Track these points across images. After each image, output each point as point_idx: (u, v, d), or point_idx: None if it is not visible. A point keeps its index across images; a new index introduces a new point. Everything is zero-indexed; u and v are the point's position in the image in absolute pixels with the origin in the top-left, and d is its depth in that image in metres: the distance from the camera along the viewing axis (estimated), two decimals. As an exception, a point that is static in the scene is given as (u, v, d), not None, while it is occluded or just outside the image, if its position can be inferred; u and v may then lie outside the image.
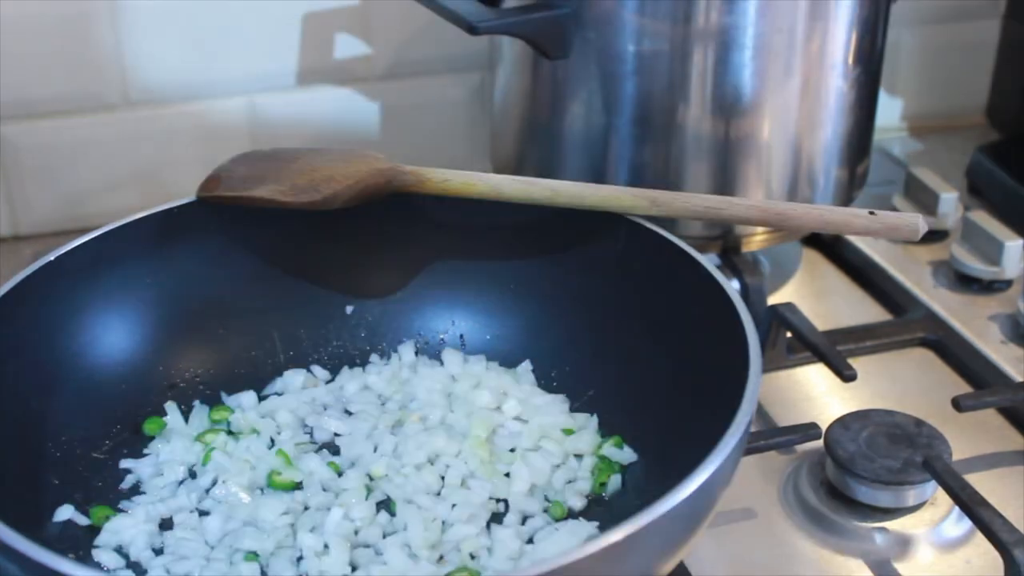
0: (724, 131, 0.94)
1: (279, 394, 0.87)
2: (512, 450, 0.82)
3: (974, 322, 1.01)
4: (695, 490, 0.63)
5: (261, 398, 0.87)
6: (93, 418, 0.81)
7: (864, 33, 0.96)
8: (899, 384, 0.95)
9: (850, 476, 0.82)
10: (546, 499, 0.80)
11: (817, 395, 0.94)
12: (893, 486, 0.81)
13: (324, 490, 0.80)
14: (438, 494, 0.79)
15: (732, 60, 0.91)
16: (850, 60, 0.95)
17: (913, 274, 1.07)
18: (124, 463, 0.81)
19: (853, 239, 1.11)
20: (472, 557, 0.74)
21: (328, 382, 0.89)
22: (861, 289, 1.07)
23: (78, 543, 0.75)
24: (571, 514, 0.79)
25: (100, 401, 0.82)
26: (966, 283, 1.06)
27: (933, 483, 0.82)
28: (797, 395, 0.94)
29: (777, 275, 1.07)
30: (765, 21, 0.91)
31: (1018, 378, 0.94)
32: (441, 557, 0.75)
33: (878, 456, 0.82)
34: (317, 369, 0.89)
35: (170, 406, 0.84)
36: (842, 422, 0.85)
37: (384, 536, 0.76)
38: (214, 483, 0.80)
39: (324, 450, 0.83)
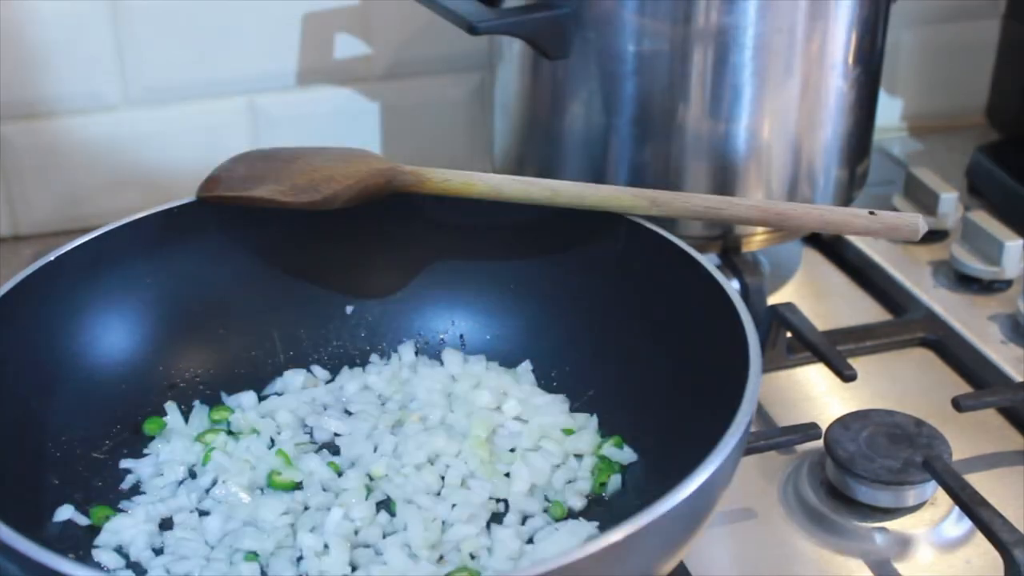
0: (724, 131, 0.94)
1: (279, 394, 0.87)
2: (512, 450, 0.82)
3: (974, 322, 1.01)
4: (695, 490, 0.63)
5: (261, 398, 0.87)
6: (93, 418, 0.81)
7: (864, 33, 0.96)
8: (899, 384, 0.95)
9: (850, 476, 0.82)
10: (546, 499, 0.80)
11: (817, 395, 0.94)
12: (893, 486, 0.81)
13: (324, 490, 0.80)
14: (438, 494, 0.79)
15: (732, 60, 0.91)
16: (850, 60, 0.95)
17: (913, 274, 1.07)
18: (124, 463, 0.81)
19: (853, 239, 1.11)
20: (472, 557, 0.74)
21: (328, 382, 0.89)
22: (861, 289, 1.07)
23: (78, 543, 0.75)
24: (571, 514, 0.79)
25: (100, 401, 0.82)
26: (966, 283, 1.06)
27: (933, 483, 0.82)
28: (797, 395, 0.94)
29: (777, 275, 1.07)
30: (765, 21, 0.91)
31: (1018, 378, 0.94)
32: (441, 557, 0.75)
33: (878, 456, 0.82)
34: (317, 369, 0.89)
35: (170, 406, 0.84)
36: (842, 422, 0.85)
37: (384, 536, 0.76)
38: (214, 483, 0.80)
39: (324, 450, 0.83)
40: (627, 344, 0.84)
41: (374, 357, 0.90)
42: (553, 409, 0.85)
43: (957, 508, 0.80)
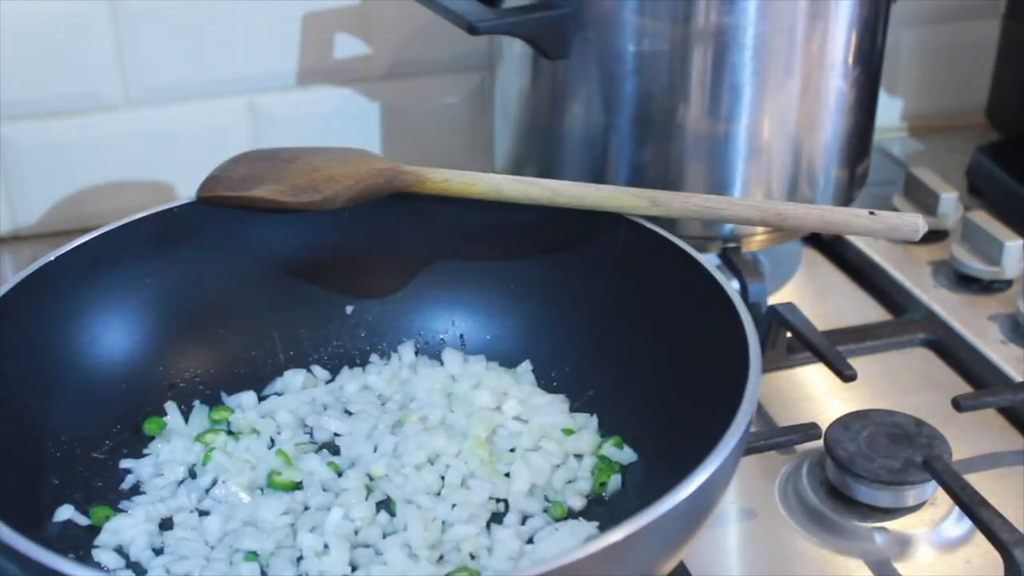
0: (724, 131, 0.94)
1: (279, 394, 0.87)
2: (512, 450, 0.82)
3: (974, 322, 1.01)
4: (695, 490, 0.63)
5: (261, 398, 0.87)
6: (93, 418, 0.81)
7: (864, 33, 0.96)
8: (899, 384, 0.95)
9: (850, 476, 0.82)
10: (546, 499, 0.80)
11: (817, 395, 0.94)
12: (893, 486, 0.81)
13: (324, 490, 0.80)
14: (438, 494, 0.79)
15: (732, 60, 0.91)
16: (850, 60, 0.95)
17: (913, 274, 1.07)
18: (124, 463, 0.81)
19: (853, 239, 1.11)
20: (472, 557, 0.74)
21: (328, 382, 0.89)
22: (861, 289, 1.07)
23: (78, 543, 0.75)
24: (571, 514, 0.79)
25: (100, 401, 0.82)
26: (966, 283, 1.06)
27: (933, 483, 0.82)
28: (797, 395, 0.94)
29: (777, 275, 1.07)
30: (765, 21, 0.91)
31: (1018, 378, 0.94)
32: (441, 557, 0.75)
33: (878, 456, 0.82)
34: (317, 369, 0.89)
35: (170, 406, 0.84)
36: (842, 422, 0.85)
37: (384, 536, 0.76)
38: (214, 483, 0.80)
39: (324, 450, 0.83)
40: (627, 344, 0.84)
41: (374, 357, 0.90)
42: (553, 409, 0.85)
43: (957, 508, 0.80)
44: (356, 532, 0.76)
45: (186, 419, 0.84)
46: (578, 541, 0.74)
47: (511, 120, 1.03)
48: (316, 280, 0.90)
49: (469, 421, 0.84)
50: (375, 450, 0.82)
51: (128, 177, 1.12)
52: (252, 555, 0.74)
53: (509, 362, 0.89)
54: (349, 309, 0.90)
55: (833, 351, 0.91)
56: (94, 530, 0.76)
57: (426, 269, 0.90)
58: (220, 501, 0.79)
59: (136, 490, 0.80)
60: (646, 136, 0.95)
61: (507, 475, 0.81)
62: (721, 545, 0.81)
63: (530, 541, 0.76)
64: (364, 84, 1.16)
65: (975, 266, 1.05)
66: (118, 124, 1.11)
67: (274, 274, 0.89)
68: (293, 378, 0.88)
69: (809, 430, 0.85)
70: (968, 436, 0.88)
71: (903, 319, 1.02)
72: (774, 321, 0.96)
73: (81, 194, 1.12)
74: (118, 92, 1.10)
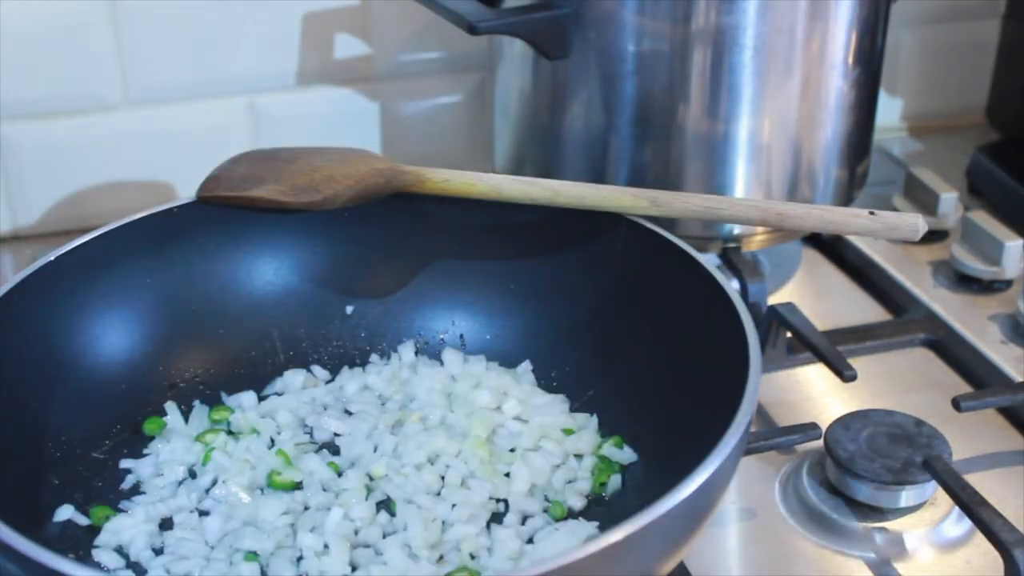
0: (724, 131, 0.94)
1: (279, 394, 0.87)
2: (512, 450, 0.82)
3: (974, 322, 1.01)
4: (695, 490, 0.63)
5: (261, 398, 0.87)
6: (93, 418, 0.81)
7: (864, 33, 0.96)
8: (899, 384, 0.95)
9: (850, 476, 0.82)
10: (546, 499, 0.80)
11: (817, 395, 0.94)
12: (893, 486, 0.81)
13: (324, 490, 0.80)
14: (438, 494, 0.79)
15: (732, 60, 0.91)
16: (850, 60, 0.95)
17: (913, 274, 1.07)
18: (124, 463, 0.81)
19: (853, 239, 1.11)
20: (472, 557, 0.74)
21: (328, 382, 0.89)
22: (861, 289, 1.07)
23: (78, 543, 0.75)
24: (571, 514, 0.79)
25: (100, 401, 0.82)
26: (966, 283, 1.06)
27: (933, 483, 0.82)
28: (797, 395, 0.94)
29: (777, 275, 1.07)
30: (765, 21, 0.91)
31: (1018, 378, 0.94)
32: (441, 557, 0.75)
33: (878, 456, 0.82)
34: (317, 369, 0.89)
35: (170, 406, 0.84)
36: (842, 422, 0.85)
37: (384, 536, 0.76)
38: (214, 483, 0.80)
39: (324, 450, 0.83)
40: (627, 344, 0.84)
41: (374, 357, 0.90)
42: (553, 409, 0.85)
43: (957, 508, 0.80)
44: (356, 532, 0.76)
45: (186, 419, 0.84)
46: (578, 541, 0.74)
47: (511, 120, 1.03)
48: (316, 280, 0.90)
49: (469, 421, 0.84)
50: (375, 450, 0.82)
51: (128, 177, 1.12)
52: (252, 555, 0.74)
53: (509, 362, 0.89)
54: (349, 309, 0.90)
55: (833, 351, 0.91)
56: (94, 530, 0.76)
57: (426, 269, 0.90)
58: (220, 501, 0.79)
59: (136, 490, 0.80)
60: (646, 136, 0.95)
61: (507, 475, 0.81)
62: (721, 545, 0.81)
63: (530, 541, 0.76)
64: (364, 84, 1.16)
65: (975, 266, 1.05)
66: (118, 124, 1.11)
67: (274, 274, 0.89)
68: (293, 378, 0.88)
69: (809, 430, 0.85)
70: (968, 436, 0.88)
71: (903, 319, 1.02)
72: (774, 321, 0.96)
73: (81, 194, 1.12)
74: (118, 92, 1.10)
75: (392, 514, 0.78)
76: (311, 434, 0.85)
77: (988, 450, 0.88)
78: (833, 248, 1.12)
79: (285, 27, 1.11)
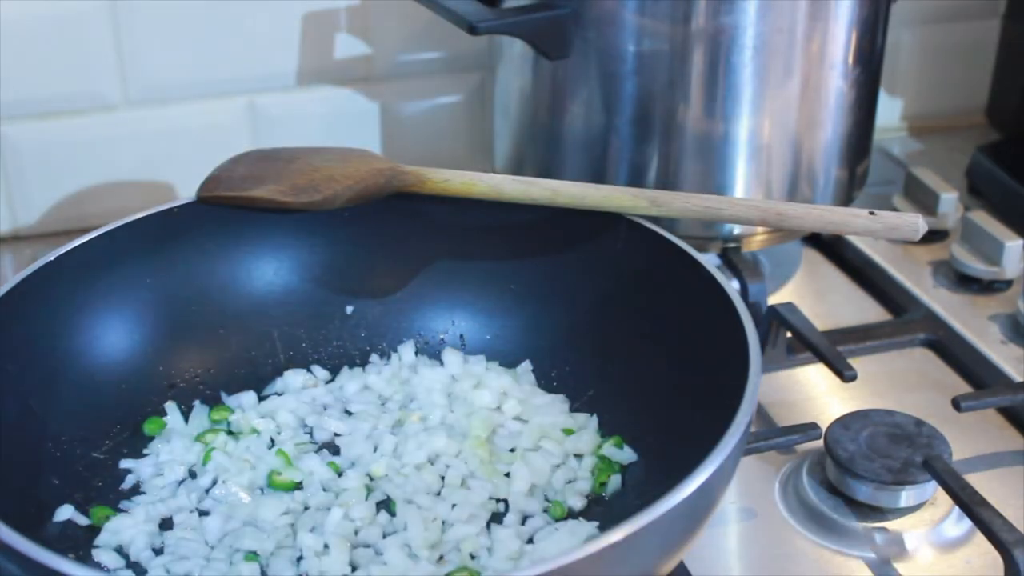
0: (724, 131, 0.94)
1: (279, 394, 0.87)
2: (512, 450, 0.82)
3: (974, 322, 1.01)
4: (695, 490, 0.63)
5: (261, 398, 0.87)
6: (93, 418, 0.81)
7: (864, 33, 0.96)
8: (899, 384, 0.95)
9: (850, 476, 0.82)
10: (546, 499, 0.80)
11: (817, 395, 0.94)
12: (893, 486, 0.81)
13: (324, 490, 0.80)
14: (438, 494, 0.79)
15: (732, 60, 0.91)
16: (850, 60, 0.95)
17: (913, 274, 1.07)
18: (124, 463, 0.81)
19: (853, 239, 1.11)
20: (472, 557, 0.74)
21: (328, 382, 0.89)
22: (861, 289, 1.07)
23: (78, 543, 0.75)
24: (571, 514, 0.79)
25: (100, 401, 0.82)
26: (966, 283, 1.06)
27: (933, 483, 0.82)
28: (797, 395, 0.94)
29: (777, 275, 1.07)
30: (765, 21, 0.91)
31: (1018, 378, 0.94)
32: (441, 557, 0.75)
33: (878, 456, 0.82)
34: (317, 369, 0.89)
35: (170, 406, 0.84)
36: (842, 422, 0.85)
37: (384, 536, 0.76)
38: (214, 483, 0.80)
39: (324, 450, 0.83)
40: (627, 344, 0.84)
41: (374, 357, 0.90)
42: (553, 409, 0.85)
43: (957, 508, 0.80)
44: (356, 532, 0.76)
45: (186, 419, 0.84)
46: (578, 541, 0.74)
47: (511, 120, 1.03)
48: (316, 280, 0.90)
49: (469, 421, 0.84)
50: (375, 450, 0.82)
51: (128, 177, 1.12)
52: (252, 555, 0.74)
53: (509, 362, 0.89)
54: (349, 309, 0.90)
55: (833, 351, 0.91)
56: (94, 530, 0.76)
57: (426, 269, 0.90)
58: (220, 501, 0.79)
59: (136, 490, 0.80)
60: (646, 136, 0.95)
61: (507, 475, 0.81)
62: (721, 545, 0.81)
63: (530, 541, 0.76)
64: (364, 84, 1.16)
65: (975, 266, 1.05)
66: (118, 124, 1.11)
67: (274, 274, 0.89)
68: (293, 378, 0.88)
69: (809, 430, 0.85)
70: (968, 436, 0.88)
71: (903, 319, 1.02)
72: (774, 321, 0.96)
73: (81, 194, 1.12)
74: (118, 92, 1.10)
75: (392, 514, 0.78)
76: (311, 434, 0.85)
77: (988, 450, 0.88)
78: (833, 248, 1.12)
79: (285, 27, 1.11)
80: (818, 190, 0.99)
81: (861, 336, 0.99)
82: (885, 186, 1.19)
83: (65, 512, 0.76)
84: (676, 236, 0.83)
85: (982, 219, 1.06)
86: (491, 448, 0.82)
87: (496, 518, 0.78)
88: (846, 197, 1.02)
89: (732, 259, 0.99)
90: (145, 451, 0.83)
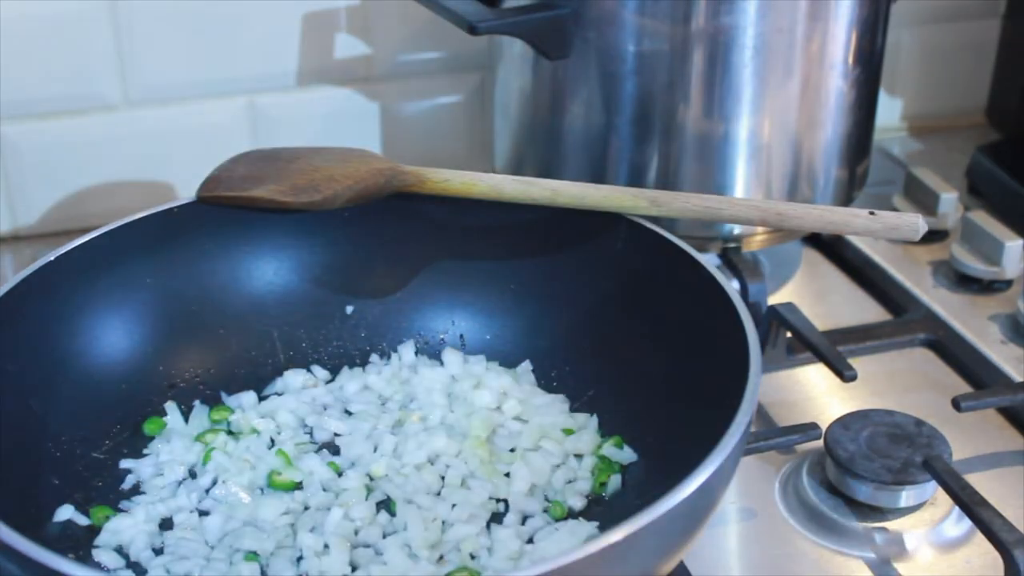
0: (724, 131, 0.94)
1: (279, 394, 0.87)
2: (512, 450, 0.82)
3: (974, 322, 1.01)
4: (695, 490, 0.63)
5: (261, 398, 0.87)
6: (93, 418, 0.81)
7: (864, 33, 0.96)
8: (899, 384, 0.95)
9: (850, 476, 0.82)
10: (546, 499, 0.80)
11: (817, 395, 0.94)
12: (893, 486, 0.81)
13: (324, 490, 0.80)
14: (438, 494, 0.79)
15: (732, 60, 0.91)
16: (850, 60, 0.95)
17: (913, 274, 1.07)
18: (124, 463, 0.81)
19: (853, 239, 1.11)
20: (472, 557, 0.74)
21: (328, 382, 0.89)
22: (861, 289, 1.07)
23: (78, 543, 0.75)
24: (571, 514, 0.79)
25: (100, 401, 0.82)
26: (966, 283, 1.06)
27: (933, 483, 0.82)
28: (797, 395, 0.94)
29: (777, 275, 1.07)
30: (765, 21, 0.91)
31: (1018, 378, 0.94)
32: (441, 557, 0.75)
33: (878, 456, 0.82)
34: (317, 369, 0.89)
35: (170, 406, 0.84)
36: (842, 422, 0.85)
37: (384, 536, 0.76)
38: (214, 483, 0.80)
39: (324, 450, 0.83)
40: (627, 344, 0.84)
41: (374, 357, 0.90)
42: (553, 409, 0.85)
43: (957, 508, 0.80)
44: (356, 532, 0.76)
45: (186, 419, 0.84)
46: (578, 541, 0.74)
47: (511, 120, 1.03)
48: (316, 280, 0.90)
49: (469, 421, 0.84)
50: (375, 450, 0.83)
51: (128, 177, 1.12)
52: (252, 555, 0.74)
53: (509, 362, 0.89)
54: (349, 309, 0.90)
55: (833, 351, 0.91)
56: (94, 530, 0.76)
57: (426, 269, 0.90)
58: (220, 501, 0.79)
59: (136, 490, 0.80)
60: (646, 136, 0.95)
61: (507, 475, 0.81)
62: (721, 545, 0.81)
63: (530, 541, 0.76)
64: (364, 84, 1.16)
65: (975, 266, 1.05)
66: (118, 124, 1.11)
67: (274, 274, 0.89)
68: (293, 378, 0.88)
69: (809, 430, 0.85)
70: (968, 436, 0.88)
71: (903, 319, 1.02)
72: (774, 321, 0.96)
73: (81, 194, 1.12)
74: (118, 92, 1.10)
75: (392, 514, 0.78)
76: (311, 434, 0.85)
77: (988, 450, 0.88)
78: (833, 248, 1.12)
79: (285, 27, 1.11)
80: (818, 190, 0.99)
81: (861, 336, 0.99)
82: (885, 186, 1.19)
83: (65, 512, 0.76)
84: (676, 236, 0.83)
85: (982, 219, 1.06)
86: (491, 448, 0.82)
87: (496, 518, 0.78)
88: (846, 197, 1.02)
89: (732, 259, 0.99)
90: (145, 451, 0.83)
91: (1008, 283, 1.05)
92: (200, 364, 0.87)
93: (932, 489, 0.82)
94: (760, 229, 0.98)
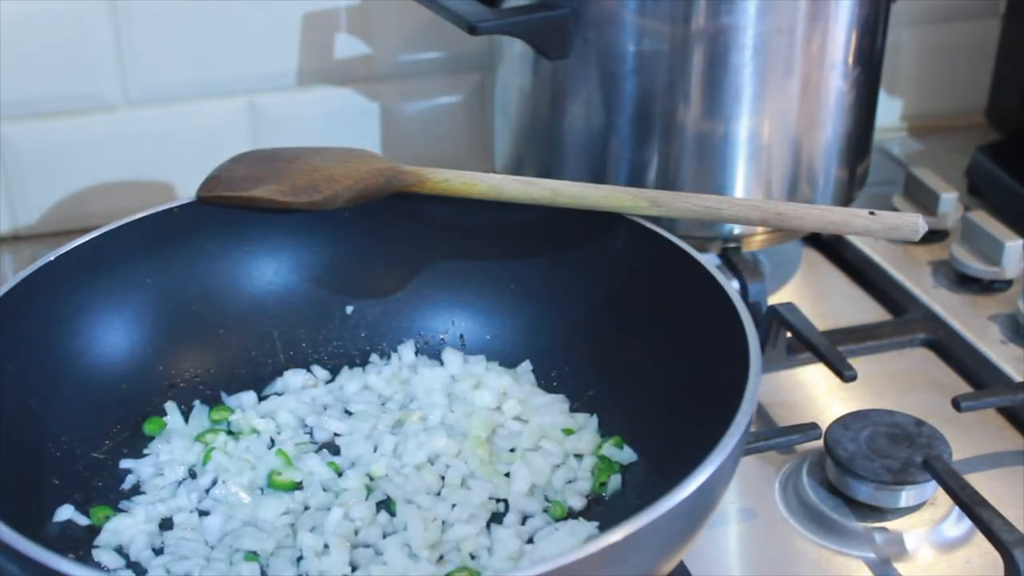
0: (724, 131, 0.94)
1: (279, 394, 0.87)
2: (512, 450, 0.82)
3: (974, 322, 1.01)
4: (695, 490, 0.63)
5: (261, 398, 0.87)
6: (93, 418, 0.81)
7: (864, 33, 0.96)
8: (899, 384, 0.95)
9: (850, 476, 0.82)
10: (546, 499, 0.80)
11: (817, 395, 0.94)
12: (893, 486, 0.81)
13: (324, 490, 0.80)
14: (438, 494, 0.79)
15: (732, 60, 0.91)
16: (850, 60, 0.95)
17: (913, 274, 1.07)
18: (124, 463, 0.81)
19: (853, 239, 1.11)
20: (472, 557, 0.74)
21: (328, 382, 0.89)
22: (861, 289, 1.07)
23: (78, 543, 0.75)
24: (571, 514, 0.79)
25: (100, 401, 0.82)
26: (966, 283, 1.06)
27: (933, 483, 0.82)
28: (797, 395, 0.94)
29: (777, 275, 1.07)
30: (765, 21, 0.91)
31: (1018, 378, 0.94)
32: (441, 557, 0.75)
33: (878, 456, 0.82)
34: (317, 369, 0.89)
35: (170, 406, 0.84)
36: (842, 422, 0.85)
37: (384, 536, 0.76)
38: (214, 483, 0.80)
39: (324, 450, 0.83)
40: (627, 344, 0.84)
41: (374, 357, 0.90)
42: (553, 409, 0.85)
43: (957, 508, 0.80)
44: (356, 532, 0.76)
45: (186, 419, 0.84)
46: (578, 541, 0.74)
47: (511, 120, 1.03)
48: (316, 280, 0.90)
49: (469, 421, 0.84)
50: (375, 450, 0.83)
51: (128, 177, 1.12)
52: (252, 555, 0.74)
53: (509, 362, 0.89)
54: (349, 309, 0.90)
55: (833, 351, 0.91)
56: (94, 530, 0.76)
57: (426, 269, 0.90)
58: (220, 501, 0.79)
59: (136, 490, 0.80)
60: (646, 136, 0.95)
61: (507, 475, 0.81)
62: (721, 545, 0.81)
63: (530, 541, 0.76)
64: (364, 84, 1.16)
65: (975, 266, 1.05)
66: (118, 124, 1.11)
67: (274, 274, 0.89)
68: (293, 378, 0.88)
69: (809, 430, 0.85)
70: (968, 436, 0.88)
71: (903, 319, 1.02)
72: (774, 321, 0.96)
73: (81, 194, 1.12)
74: (118, 92, 1.10)
75: (392, 514, 0.78)
76: (311, 434, 0.85)
77: (988, 450, 0.88)
78: (833, 248, 1.12)
79: (285, 27, 1.11)
80: (818, 190, 0.99)
81: (861, 336, 0.99)
82: (885, 186, 1.19)
83: (65, 512, 0.76)
84: (676, 236, 0.83)
85: (982, 219, 1.06)
86: (491, 448, 0.82)
87: (496, 518, 0.78)
88: (846, 197, 1.02)
89: (732, 259, 0.99)
90: (145, 451, 0.83)
91: (1008, 283, 1.05)
92: (200, 364, 0.87)
93: (932, 489, 0.82)
94: (760, 229, 0.98)
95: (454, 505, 0.78)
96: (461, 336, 0.91)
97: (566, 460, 0.82)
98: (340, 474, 0.81)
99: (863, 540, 0.81)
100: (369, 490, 0.79)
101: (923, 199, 1.13)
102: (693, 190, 0.94)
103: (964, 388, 0.95)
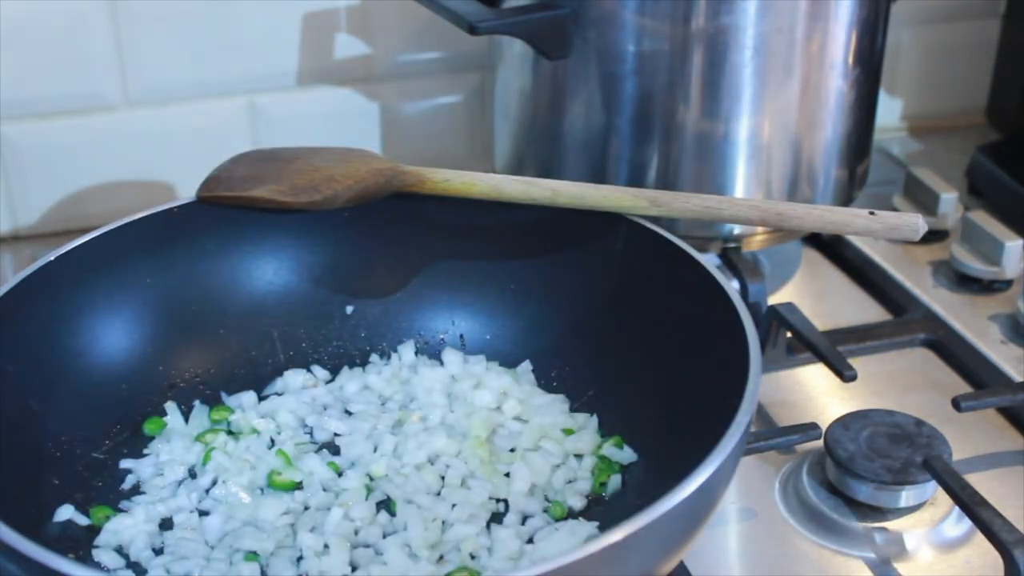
0: (724, 131, 0.94)
1: (279, 394, 0.87)
2: (512, 450, 0.83)
3: (974, 322, 1.01)
4: (695, 490, 0.63)
5: (261, 398, 0.87)
6: (93, 418, 0.81)
7: (864, 33, 0.96)
8: (899, 384, 0.95)
9: (850, 476, 0.82)
10: (546, 499, 0.80)
11: (817, 395, 0.94)
12: (893, 486, 0.81)
13: (324, 490, 0.80)
14: (438, 494, 0.79)
15: (732, 60, 0.91)
16: (850, 60, 0.95)
17: (913, 274, 1.07)
18: (124, 463, 0.81)
19: (853, 239, 1.11)
20: (472, 557, 0.74)
21: (328, 382, 0.89)
22: (861, 289, 1.07)
23: (78, 543, 0.75)
24: (571, 514, 0.79)
25: (100, 401, 0.82)
26: (966, 283, 1.06)
27: (933, 483, 0.82)
28: (797, 395, 0.94)
29: (777, 275, 1.07)
30: (765, 21, 0.91)
31: (1018, 378, 0.94)
32: (441, 557, 0.75)
33: (878, 456, 0.82)
34: (317, 369, 0.89)
35: (170, 406, 0.84)
36: (842, 422, 0.85)
37: (384, 536, 0.76)
38: (214, 483, 0.80)
39: (324, 450, 0.83)
40: (627, 344, 0.84)
41: (374, 357, 0.90)
42: (553, 409, 0.85)
43: (957, 508, 0.80)
44: (356, 532, 0.76)
45: (186, 419, 0.84)
46: (578, 541, 0.74)
47: (511, 120, 1.03)
48: (316, 280, 0.90)
49: (469, 421, 0.84)
50: (375, 450, 0.83)
51: (128, 177, 1.12)
52: (252, 555, 0.74)
53: (509, 362, 0.89)
54: (349, 309, 0.90)
55: (833, 351, 0.91)
56: (94, 530, 0.76)
57: (426, 269, 0.90)
58: (220, 501, 0.79)
59: (136, 490, 0.80)
60: (646, 136, 0.95)
61: (507, 475, 0.81)
62: (721, 545, 0.81)
63: (530, 541, 0.76)
64: (364, 84, 1.16)
65: (975, 266, 1.05)
66: (118, 124, 1.11)
67: (274, 274, 0.89)
68: (293, 378, 0.88)
69: (809, 430, 0.85)
70: (968, 436, 0.88)
71: (903, 319, 1.02)
72: (774, 321, 0.96)
73: (81, 194, 1.12)
74: (118, 92, 1.10)
75: (392, 514, 0.78)
76: (311, 434, 0.85)
77: (988, 450, 0.88)
78: (833, 248, 1.12)
79: (285, 27, 1.11)
80: (818, 190, 0.99)
81: (861, 336, 0.99)
82: (885, 186, 1.19)
83: (65, 512, 0.76)
84: (676, 236, 0.83)
85: (982, 219, 1.06)
86: (491, 448, 0.82)
87: (496, 518, 0.78)
88: (846, 197, 1.02)
89: (732, 259, 0.99)
90: (145, 451, 0.83)
91: (1008, 283, 1.05)
92: (200, 364, 0.87)
93: (932, 489, 0.82)
94: (760, 229, 0.98)
95: (454, 505, 0.78)
96: (461, 336, 0.91)
97: (566, 460, 0.82)
98: (340, 474, 0.81)
99: (863, 540, 0.81)
100: (369, 490, 0.79)
101: (923, 199, 1.13)
102: (693, 190, 0.94)
103: (964, 388, 0.95)
